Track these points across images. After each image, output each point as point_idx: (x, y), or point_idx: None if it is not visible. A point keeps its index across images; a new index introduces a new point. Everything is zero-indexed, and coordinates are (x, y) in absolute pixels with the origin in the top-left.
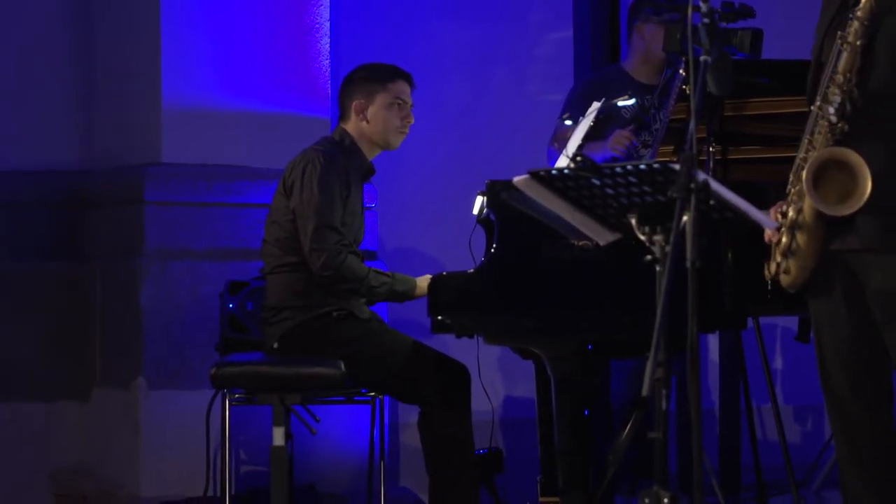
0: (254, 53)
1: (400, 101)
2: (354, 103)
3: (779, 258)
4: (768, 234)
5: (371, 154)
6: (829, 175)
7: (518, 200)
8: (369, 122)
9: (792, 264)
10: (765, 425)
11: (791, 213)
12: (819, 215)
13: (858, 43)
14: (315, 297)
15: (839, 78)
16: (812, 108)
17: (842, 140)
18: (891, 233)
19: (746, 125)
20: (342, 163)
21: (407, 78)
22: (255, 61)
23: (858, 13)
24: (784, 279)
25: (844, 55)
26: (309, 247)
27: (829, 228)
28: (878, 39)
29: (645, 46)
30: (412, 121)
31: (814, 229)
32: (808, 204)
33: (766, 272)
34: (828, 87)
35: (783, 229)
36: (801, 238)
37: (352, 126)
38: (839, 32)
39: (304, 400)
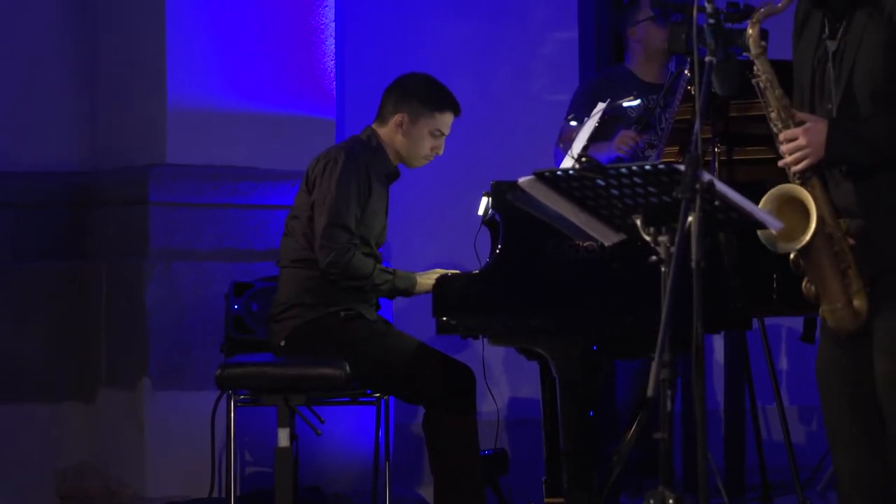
0: (259, 54)
1: (439, 132)
2: (397, 116)
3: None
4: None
5: (394, 161)
6: (788, 212)
7: (523, 201)
8: (404, 137)
9: (827, 313)
10: (770, 426)
11: (792, 258)
12: (795, 258)
13: (766, 77)
14: (326, 297)
15: (773, 114)
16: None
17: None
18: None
19: (751, 126)
20: (365, 162)
21: (456, 110)
22: (260, 62)
23: (752, 50)
24: (836, 328)
25: (766, 91)
26: (319, 243)
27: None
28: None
29: (643, 47)
30: (441, 152)
31: (810, 267)
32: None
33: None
34: (772, 129)
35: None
36: (813, 279)
37: (385, 131)
38: (750, 74)
39: (309, 401)
